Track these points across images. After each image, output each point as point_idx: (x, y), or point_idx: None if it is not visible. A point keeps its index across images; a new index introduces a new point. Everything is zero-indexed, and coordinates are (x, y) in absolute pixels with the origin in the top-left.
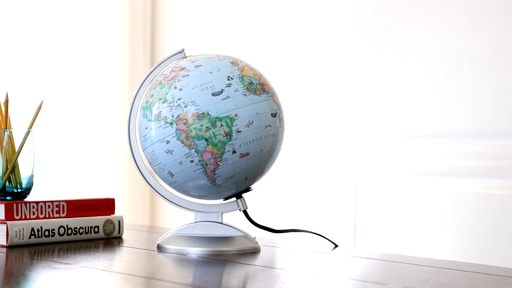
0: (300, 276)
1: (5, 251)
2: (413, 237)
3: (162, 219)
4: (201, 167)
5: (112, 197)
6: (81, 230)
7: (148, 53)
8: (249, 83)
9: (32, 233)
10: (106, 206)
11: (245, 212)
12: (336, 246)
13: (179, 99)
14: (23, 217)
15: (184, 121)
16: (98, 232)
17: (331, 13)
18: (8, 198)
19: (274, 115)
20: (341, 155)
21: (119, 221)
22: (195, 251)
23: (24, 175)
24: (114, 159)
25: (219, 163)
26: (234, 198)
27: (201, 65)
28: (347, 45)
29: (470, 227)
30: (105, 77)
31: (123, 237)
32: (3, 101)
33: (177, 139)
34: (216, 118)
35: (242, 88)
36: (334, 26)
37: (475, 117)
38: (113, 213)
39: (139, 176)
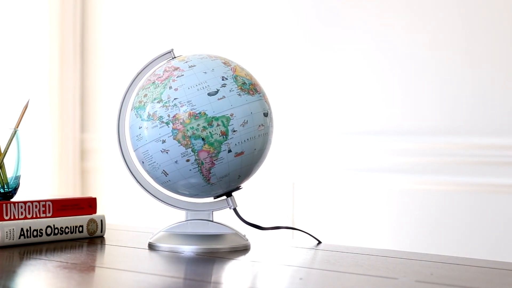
0: (293, 271)
1: None
2: (351, 233)
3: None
4: (196, 166)
5: (94, 196)
6: (66, 230)
7: (78, 49)
8: (242, 83)
9: (22, 233)
10: (88, 205)
11: (235, 210)
12: (319, 242)
13: (175, 99)
14: (12, 218)
15: (181, 120)
16: (82, 231)
17: (268, 10)
18: None
19: (266, 114)
20: (279, 152)
21: (101, 220)
22: (187, 249)
23: (10, 175)
24: (44, 157)
25: (214, 162)
26: (224, 197)
27: (195, 65)
28: (286, 43)
29: (409, 223)
30: (34, 74)
31: (105, 236)
32: None
33: (174, 139)
34: (213, 117)
35: (237, 88)
36: (273, 23)
37: (414, 114)
38: (95, 212)
39: (129, 175)
